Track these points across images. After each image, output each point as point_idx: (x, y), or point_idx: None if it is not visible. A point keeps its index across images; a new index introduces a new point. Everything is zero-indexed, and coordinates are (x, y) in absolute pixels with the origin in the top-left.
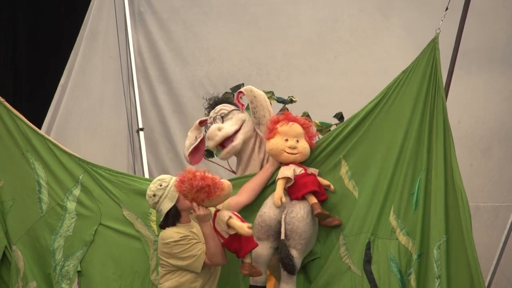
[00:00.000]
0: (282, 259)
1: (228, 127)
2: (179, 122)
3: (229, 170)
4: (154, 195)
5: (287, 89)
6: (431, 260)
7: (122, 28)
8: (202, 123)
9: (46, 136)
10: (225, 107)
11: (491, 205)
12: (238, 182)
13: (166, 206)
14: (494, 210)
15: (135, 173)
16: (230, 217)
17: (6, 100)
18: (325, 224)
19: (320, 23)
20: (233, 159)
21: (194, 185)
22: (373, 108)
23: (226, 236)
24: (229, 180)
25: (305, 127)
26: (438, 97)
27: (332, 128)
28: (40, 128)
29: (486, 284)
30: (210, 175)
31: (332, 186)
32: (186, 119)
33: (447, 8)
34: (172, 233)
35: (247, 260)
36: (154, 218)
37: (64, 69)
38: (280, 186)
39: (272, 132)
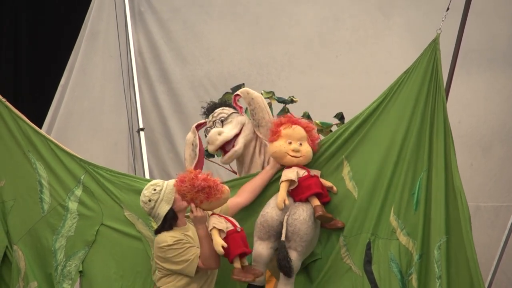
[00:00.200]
0: (279, 261)
1: (228, 131)
2: (179, 122)
3: (229, 170)
4: (150, 200)
5: (288, 89)
6: (432, 261)
7: (123, 28)
8: (199, 127)
9: (48, 136)
10: (224, 111)
11: (491, 205)
12: (238, 183)
13: (164, 209)
14: (495, 210)
15: (135, 173)
16: (214, 227)
17: (7, 100)
18: (328, 227)
19: (321, 23)
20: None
21: (195, 185)
22: (375, 109)
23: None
24: (230, 180)
25: (308, 130)
26: (439, 97)
27: (332, 128)
28: (40, 128)
29: (487, 284)
30: (212, 178)
31: (335, 188)
32: (186, 119)
33: (448, 8)
34: (166, 237)
35: (236, 265)
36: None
37: (64, 69)
38: (283, 188)
39: (275, 134)
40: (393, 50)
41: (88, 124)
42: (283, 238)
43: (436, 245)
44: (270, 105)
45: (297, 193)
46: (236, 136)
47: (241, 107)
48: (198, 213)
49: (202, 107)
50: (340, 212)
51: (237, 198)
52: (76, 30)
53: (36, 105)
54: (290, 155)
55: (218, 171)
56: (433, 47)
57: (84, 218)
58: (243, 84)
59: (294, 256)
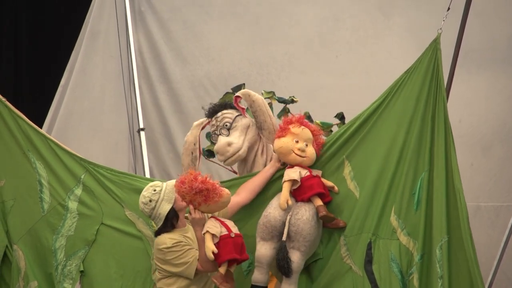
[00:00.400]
0: (278, 261)
1: (236, 140)
2: (179, 122)
3: (230, 170)
4: (150, 201)
5: (288, 89)
6: (434, 261)
7: (123, 28)
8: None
9: (48, 135)
10: (227, 115)
11: (491, 204)
12: (238, 183)
13: (165, 208)
14: (495, 210)
15: (135, 173)
16: (207, 231)
17: (8, 100)
18: (330, 227)
19: (321, 23)
20: None
21: (194, 187)
22: (376, 109)
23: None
24: (229, 180)
25: (315, 134)
26: (440, 97)
27: (333, 129)
28: (41, 127)
29: (488, 284)
30: (211, 181)
31: (336, 188)
32: (186, 119)
33: (448, 8)
34: (165, 239)
35: (221, 270)
36: None
37: (64, 69)
38: (286, 188)
39: (284, 131)
40: (393, 50)
41: (88, 124)
42: (284, 238)
43: (438, 245)
44: (270, 105)
45: (299, 193)
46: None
47: (243, 108)
48: (196, 215)
49: (202, 107)
50: (342, 212)
51: (236, 197)
52: (76, 30)
53: (36, 105)
54: (295, 153)
55: (218, 171)
56: (434, 47)
57: (84, 217)
58: (244, 84)
59: (297, 256)
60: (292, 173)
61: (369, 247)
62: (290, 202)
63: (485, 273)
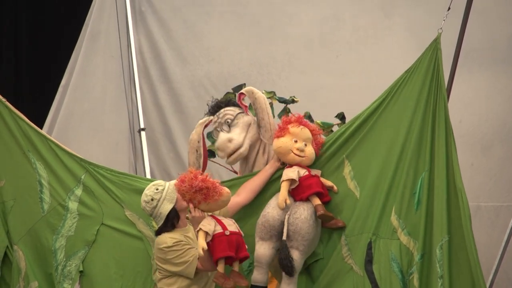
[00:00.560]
0: (281, 260)
1: (237, 137)
2: (180, 122)
3: (230, 170)
4: (152, 199)
5: (288, 89)
6: (434, 260)
7: (123, 28)
8: (205, 127)
9: (48, 136)
10: (229, 111)
11: (492, 204)
12: (238, 182)
13: (166, 208)
14: (495, 209)
15: (136, 173)
16: (200, 229)
17: (8, 100)
18: (328, 226)
19: (321, 23)
20: None
21: (194, 185)
22: (376, 108)
23: None
24: (229, 180)
25: (314, 134)
26: (440, 97)
27: (334, 128)
28: (41, 128)
29: (488, 284)
30: (212, 179)
31: (335, 187)
32: (186, 119)
33: (449, 8)
34: (166, 238)
35: (219, 268)
36: None
37: (65, 69)
38: (284, 188)
39: (283, 131)
40: (394, 50)
41: (89, 124)
42: (284, 237)
43: (438, 245)
44: (271, 105)
45: (297, 192)
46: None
47: (246, 106)
48: (196, 213)
49: (207, 104)
50: (342, 211)
51: (237, 198)
52: (77, 30)
53: (37, 105)
54: (294, 153)
55: (218, 171)
56: (434, 46)
57: (84, 217)
58: (244, 84)
59: (296, 256)
60: (290, 173)
61: (370, 247)
62: (288, 202)
63: (486, 273)
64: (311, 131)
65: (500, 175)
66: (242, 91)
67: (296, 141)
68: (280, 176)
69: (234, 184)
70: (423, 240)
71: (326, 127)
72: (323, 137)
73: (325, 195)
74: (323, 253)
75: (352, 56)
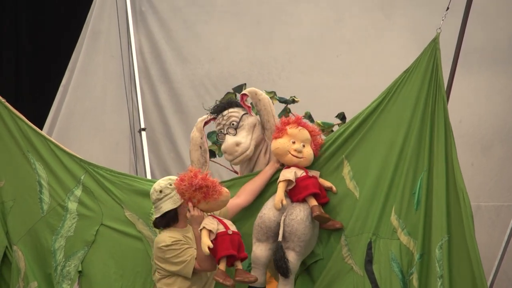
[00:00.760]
0: (276, 261)
1: (244, 140)
2: (180, 122)
3: (230, 170)
4: (161, 191)
5: (288, 88)
6: (433, 260)
7: (124, 28)
8: (206, 125)
9: (47, 136)
10: (234, 114)
11: (492, 204)
12: (238, 182)
13: (168, 206)
14: (496, 209)
15: (136, 173)
16: (204, 227)
17: (8, 101)
18: (326, 228)
19: (321, 23)
20: None
21: (193, 183)
22: (375, 108)
23: None
24: (230, 180)
25: (313, 135)
26: (439, 97)
27: (334, 129)
28: (41, 128)
29: (489, 284)
30: (211, 178)
31: (334, 188)
32: (187, 119)
33: (448, 8)
34: (165, 237)
35: (221, 266)
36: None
37: (65, 69)
38: (281, 188)
39: (281, 132)
40: (394, 50)
41: (89, 124)
42: (279, 238)
43: (438, 245)
44: None
45: (294, 193)
46: None
47: (249, 107)
48: (195, 212)
49: (206, 109)
50: (341, 211)
51: (237, 199)
52: (77, 30)
53: (37, 105)
54: (292, 154)
55: (218, 171)
56: (433, 46)
57: (84, 218)
58: (245, 84)
59: (292, 257)
60: (287, 174)
61: (370, 247)
62: (284, 202)
63: (486, 273)
64: (310, 132)
65: (500, 175)
66: (244, 92)
67: (294, 142)
68: (278, 177)
69: (234, 184)
70: (422, 240)
71: (327, 127)
72: (322, 138)
73: (322, 196)
74: (323, 253)
75: (353, 56)
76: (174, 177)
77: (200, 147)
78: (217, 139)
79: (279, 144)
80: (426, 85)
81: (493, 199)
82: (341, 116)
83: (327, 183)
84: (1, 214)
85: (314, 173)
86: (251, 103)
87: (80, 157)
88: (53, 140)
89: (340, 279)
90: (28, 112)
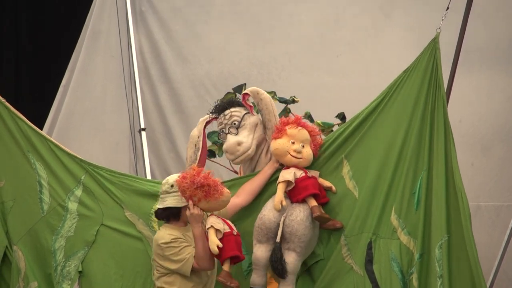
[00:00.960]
0: (272, 262)
1: (246, 139)
2: (180, 122)
3: (231, 170)
4: (173, 186)
5: (288, 88)
6: (433, 260)
7: (124, 28)
8: (207, 125)
9: (47, 136)
10: (236, 113)
11: (492, 204)
12: (238, 182)
13: (172, 202)
14: (495, 209)
15: (136, 173)
16: (211, 226)
17: (8, 101)
18: (326, 228)
19: (321, 23)
20: None
21: (195, 181)
22: (375, 108)
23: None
24: (230, 180)
25: (312, 135)
26: (439, 96)
27: (334, 128)
28: (42, 128)
29: (489, 284)
30: (214, 178)
31: (334, 188)
32: (187, 119)
33: (448, 8)
34: (164, 234)
35: (225, 267)
36: (155, 218)
37: (65, 69)
38: (280, 189)
39: (280, 132)
40: (394, 50)
41: (89, 124)
42: (278, 239)
43: (438, 244)
44: None
45: (294, 194)
46: None
47: (251, 106)
48: (195, 211)
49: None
50: (341, 211)
51: (236, 199)
52: (77, 30)
53: (37, 105)
54: (291, 155)
55: (219, 171)
56: (433, 46)
57: (84, 218)
58: (245, 84)
59: (293, 257)
60: (287, 174)
61: (370, 246)
62: (284, 203)
63: (486, 273)
64: (309, 132)
65: (501, 175)
66: (246, 91)
67: (293, 143)
68: (278, 178)
69: (234, 184)
70: (422, 239)
71: (327, 127)
72: (322, 138)
73: (322, 196)
74: (323, 253)
75: (352, 56)
76: None
77: (195, 145)
78: (218, 139)
79: (278, 144)
80: (426, 85)
81: (493, 199)
82: (341, 116)
83: (326, 183)
84: (1, 214)
85: (313, 173)
86: (252, 103)
87: (80, 157)
88: (53, 140)
89: (340, 279)
90: (28, 112)
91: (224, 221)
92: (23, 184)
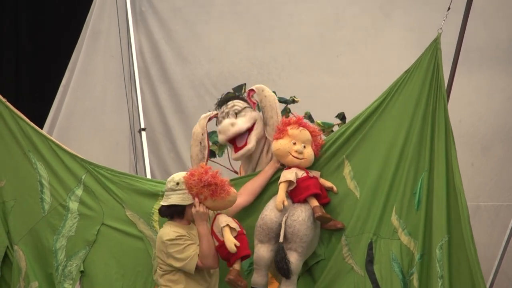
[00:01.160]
0: (277, 263)
1: (241, 123)
2: (180, 122)
3: (231, 170)
4: (178, 184)
5: (288, 88)
6: (434, 260)
7: (124, 28)
8: (208, 120)
9: (48, 136)
10: (238, 103)
11: (492, 204)
12: (238, 182)
13: (176, 200)
14: (495, 209)
15: (136, 173)
16: (227, 225)
17: (8, 100)
18: (327, 228)
19: (321, 23)
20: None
21: (203, 179)
22: (376, 108)
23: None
24: (231, 180)
25: (313, 135)
26: (440, 96)
27: (334, 129)
28: (42, 128)
29: (488, 284)
30: (221, 177)
31: (335, 188)
32: (187, 119)
33: (449, 8)
34: (169, 231)
35: (236, 266)
36: (156, 218)
37: (65, 69)
38: (282, 189)
39: (281, 133)
40: (394, 50)
41: (89, 124)
42: (281, 239)
43: (438, 245)
44: None
45: (295, 194)
46: (249, 131)
47: (254, 103)
48: (201, 209)
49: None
50: (342, 211)
51: (237, 199)
52: (77, 30)
53: (37, 105)
54: (292, 155)
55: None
56: (434, 46)
57: (85, 218)
58: (245, 84)
59: (295, 257)
60: (288, 174)
61: (370, 247)
62: (286, 203)
63: (486, 273)
64: (310, 132)
65: (500, 175)
66: (253, 87)
67: (294, 143)
68: (279, 178)
69: (235, 184)
70: (422, 240)
71: (327, 127)
72: (323, 138)
73: (323, 196)
74: (324, 253)
75: (353, 56)
76: None
77: (200, 143)
78: (217, 124)
79: (280, 145)
80: (427, 85)
81: (493, 199)
82: (341, 116)
83: (327, 183)
84: (2, 213)
85: (314, 173)
86: (256, 100)
87: (81, 156)
88: (54, 140)
89: (340, 279)
90: (28, 112)
91: (234, 220)
92: (24, 184)
